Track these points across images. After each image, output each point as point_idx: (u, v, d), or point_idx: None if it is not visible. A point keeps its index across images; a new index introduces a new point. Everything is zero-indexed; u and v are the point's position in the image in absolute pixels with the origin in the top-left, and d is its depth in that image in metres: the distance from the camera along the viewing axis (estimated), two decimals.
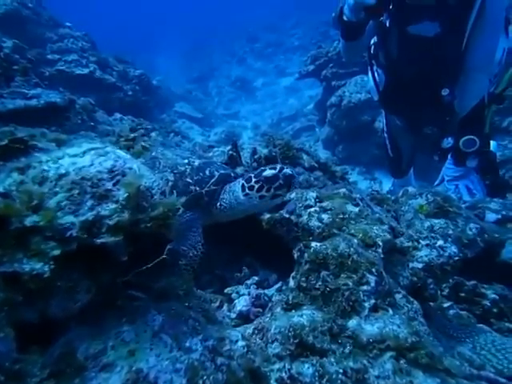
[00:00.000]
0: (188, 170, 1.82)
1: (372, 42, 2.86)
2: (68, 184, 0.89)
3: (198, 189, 1.78)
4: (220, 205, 1.81)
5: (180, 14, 26.94)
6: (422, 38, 2.34)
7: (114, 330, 0.92)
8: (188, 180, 1.78)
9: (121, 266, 1.06)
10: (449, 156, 2.60)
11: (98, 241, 0.87)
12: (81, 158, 0.97)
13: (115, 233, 0.89)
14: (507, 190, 2.79)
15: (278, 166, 1.71)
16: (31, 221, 0.82)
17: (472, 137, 2.35)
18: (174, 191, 1.68)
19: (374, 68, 2.87)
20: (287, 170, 1.69)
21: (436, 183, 2.80)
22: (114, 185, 0.96)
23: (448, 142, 2.56)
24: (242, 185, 1.74)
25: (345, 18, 2.37)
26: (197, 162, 1.88)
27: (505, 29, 2.42)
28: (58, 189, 0.89)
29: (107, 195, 0.93)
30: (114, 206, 0.92)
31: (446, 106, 2.46)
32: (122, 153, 1.05)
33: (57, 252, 0.82)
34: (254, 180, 1.70)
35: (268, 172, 1.68)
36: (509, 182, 2.87)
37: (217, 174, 1.85)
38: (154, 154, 1.85)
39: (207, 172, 1.84)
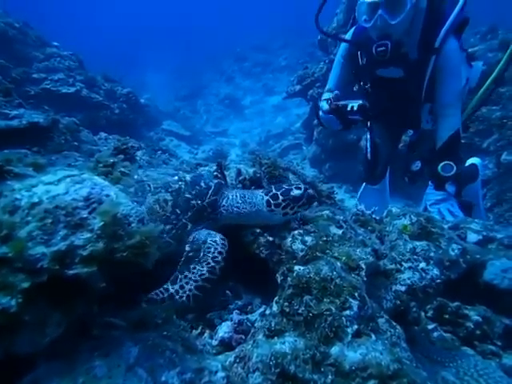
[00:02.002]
0: (183, 186, 1.84)
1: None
2: (41, 213, 0.87)
3: (199, 202, 1.82)
4: (226, 210, 1.87)
5: (169, 33, 27.35)
6: (389, 78, 2.71)
7: (86, 364, 0.88)
8: (187, 196, 1.81)
9: (98, 294, 1.03)
10: (429, 182, 2.78)
11: (71, 272, 0.85)
12: (56, 185, 0.95)
13: (89, 263, 0.87)
14: (471, 211, 3.00)
15: (303, 186, 1.84)
16: None
17: (449, 162, 2.57)
18: (177, 210, 1.74)
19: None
20: (310, 191, 1.85)
21: (420, 208, 2.95)
22: (90, 213, 0.94)
23: (416, 165, 2.86)
24: (268, 201, 1.80)
25: (321, 120, 2.81)
26: (188, 177, 1.91)
27: (467, 61, 2.75)
28: (29, 218, 0.86)
29: (82, 224, 0.91)
30: (88, 235, 0.90)
31: (411, 145, 2.94)
32: (99, 179, 1.03)
33: (26, 284, 0.79)
34: (281, 198, 1.79)
35: (296, 192, 1.80)
36: (472, 203, 3.08)
37: (212, 184, 1.91)
38: (136, 177, 1.82)
39: (202, 184, 1.89)
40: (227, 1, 36.33)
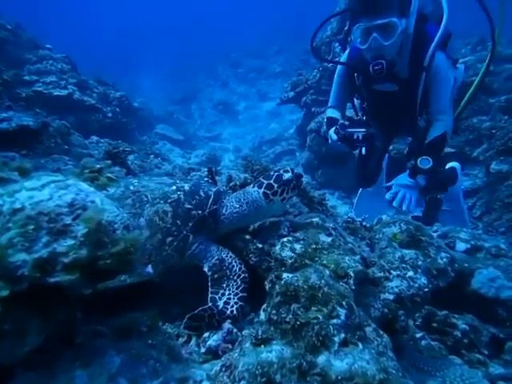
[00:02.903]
0: (182, 197, 1.79)
1: None
2: (22, 219, 0.86)
3: (200, 212, 1.79)
4: (226, 218, 1.87)
5: (164, 37, 27.37)
6: (386, 92, 3.00)
7: (66, 374, 0.87)
8: (187, 206, 1.77)
9: (82, 300, 1.02)
10: (407, 170, 3.06)
11: (52, 280, 0.83)
12: (39, 191, 0.93)
13: (71, 271, 0.85)
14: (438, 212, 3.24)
15: (289, 168, 1.86)
16: None
17: (428, 157, 2.83)
18: (178, 221, 1.73)
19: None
20: (297, 172, 1.88)
21: (388, 184, 3.16)
22: (74, 219, 0.92)
23: (411, 163, 3.14)
24: (264, 193, 1.82)
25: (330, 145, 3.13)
26: (186, 186, 1.87)
27: (453, 65, 3.08)
28: (11, 224, 0.85)
29: (65, 230, 0.90)
30: (71, 242, 0.89)
31: (410, 150, 3.23)
32: (84, 185, 1.02)
33: (5, 293, 0.78)
34: (276, 186, 1.81)
35: (287, 176, 1.82)
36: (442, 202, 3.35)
37: (211, 192, 1.89)
38: (132, 188, 1.79)
39: (202, 193, 1.86)
40: (222, 6, 36.57)
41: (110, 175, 1.15)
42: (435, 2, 2.88)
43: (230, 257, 1.77)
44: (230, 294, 1.69)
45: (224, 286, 1.71)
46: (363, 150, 3.60)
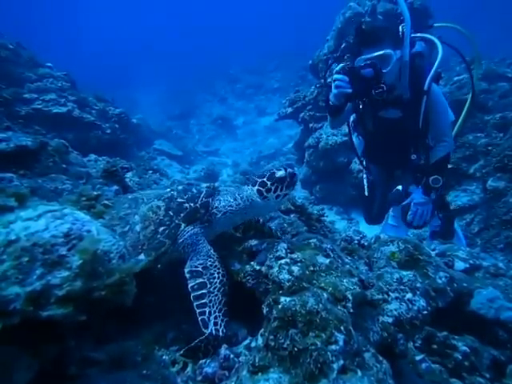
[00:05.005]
0: (175, 194, 1.93)
1: (352, 119, 3.67)
2: (17, 251, 0.85)
3: (192, 205, 1.90)
4: (219, 211, 1.93)
5: (163, 53, 27.76)
6: (389, 119, 3.22)
7: None
8: (179, 200, 1.90)
9: (76, 327, 1.00)
10: (420, 187, 3.31)
11: (45, 313, 0.82)
12: (35, 221, 0.93)
13: (64, 304, 0.84)
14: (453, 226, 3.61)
15: (282, 167, 1.91)
16: None
17: (438, 177, 3.13)
18: (170, 212, 1.81)
19: (354, 135, 3.75)
20: (290, 170, 1.92)
21: (404, 203, 3.37)
22: (69, 250, 0.92)
23: (413, 187, 3.44)
24: (258, 190, 1.89)
25: (330, 102, 3.19)
26: (180, 186, 2.02)
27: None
28: (5, 256, 0.84)
29: (60, 262, 0.89)
30: (66, 273, 0.88)
31: (414, 166, 3.40)
32: (81, 214, 1.02)
33: None
34: (269, 183, 1.87)
35: (280, 173, 1.87)
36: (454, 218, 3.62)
37: (204, 189, 2.00)
38: (130, 197, 1.93)
39: (194, 190, 1.99)
40: (221, 23, 37.28)
41: (106, 202, 1.15)
42: (427, 50, 3.26)
43: (215, 266, 1.79)
44: (215, 312, 1.69)
45: (207, 301, 1.70)
46: (366, 192, 3.93)
